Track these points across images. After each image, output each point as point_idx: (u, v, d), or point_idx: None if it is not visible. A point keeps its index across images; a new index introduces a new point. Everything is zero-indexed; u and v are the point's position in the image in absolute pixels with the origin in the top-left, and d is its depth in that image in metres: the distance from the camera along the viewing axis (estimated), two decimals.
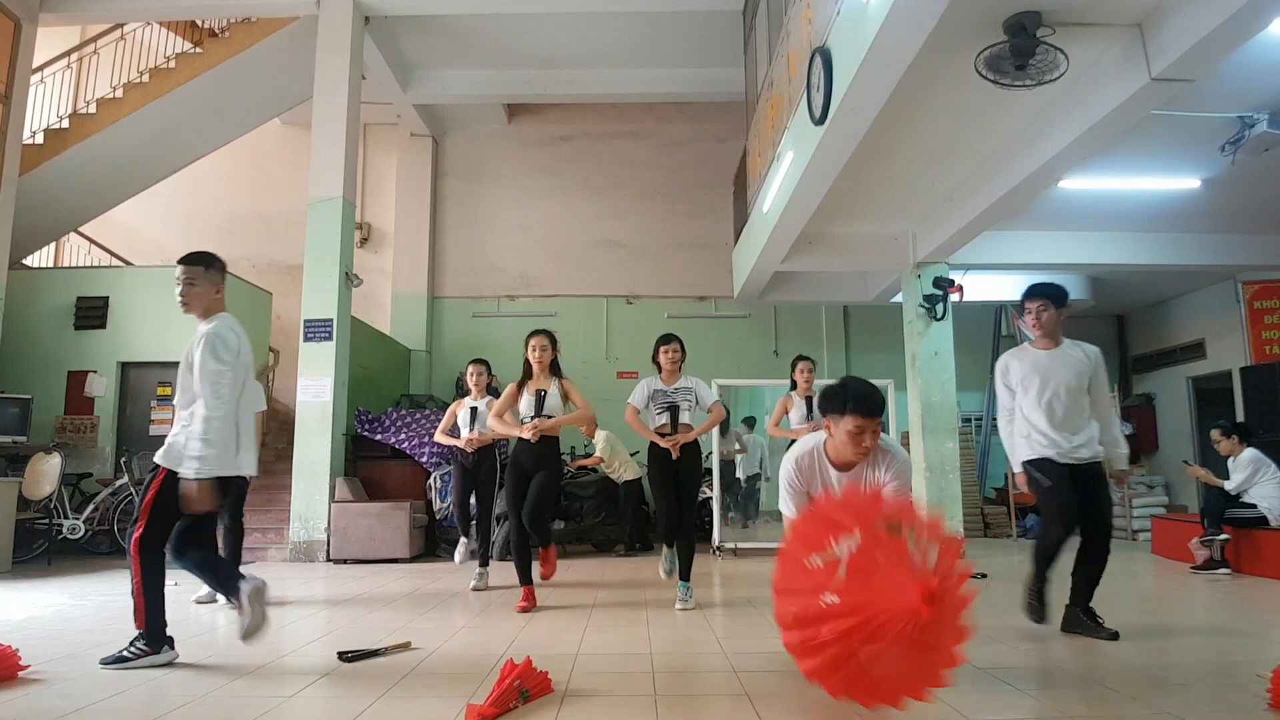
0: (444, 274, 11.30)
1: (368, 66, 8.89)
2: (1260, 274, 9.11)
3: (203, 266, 3.41)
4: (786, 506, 3.08)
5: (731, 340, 10.99)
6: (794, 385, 6.14)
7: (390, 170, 11.56)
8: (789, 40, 6.12)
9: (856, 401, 2.80)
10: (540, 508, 4.61)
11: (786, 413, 6.12)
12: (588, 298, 11.18)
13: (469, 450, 5.62)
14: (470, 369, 5.85)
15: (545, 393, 4.63)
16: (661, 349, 4.84)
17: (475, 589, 5.38)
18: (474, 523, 5.74)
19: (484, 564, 5.55)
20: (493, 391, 5.90)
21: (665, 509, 4.77)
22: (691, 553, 4.74)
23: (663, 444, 4.63)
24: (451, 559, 6.18)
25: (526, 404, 4.64)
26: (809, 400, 5.93)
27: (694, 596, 4.66)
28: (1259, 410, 8.61)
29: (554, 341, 4.75)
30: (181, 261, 3.42)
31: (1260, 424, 8.10)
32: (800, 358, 6.11)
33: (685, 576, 4.67)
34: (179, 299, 3.38)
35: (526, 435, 4.53)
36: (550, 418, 4.60)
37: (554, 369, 4.74)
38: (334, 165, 7.85)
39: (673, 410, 4.72)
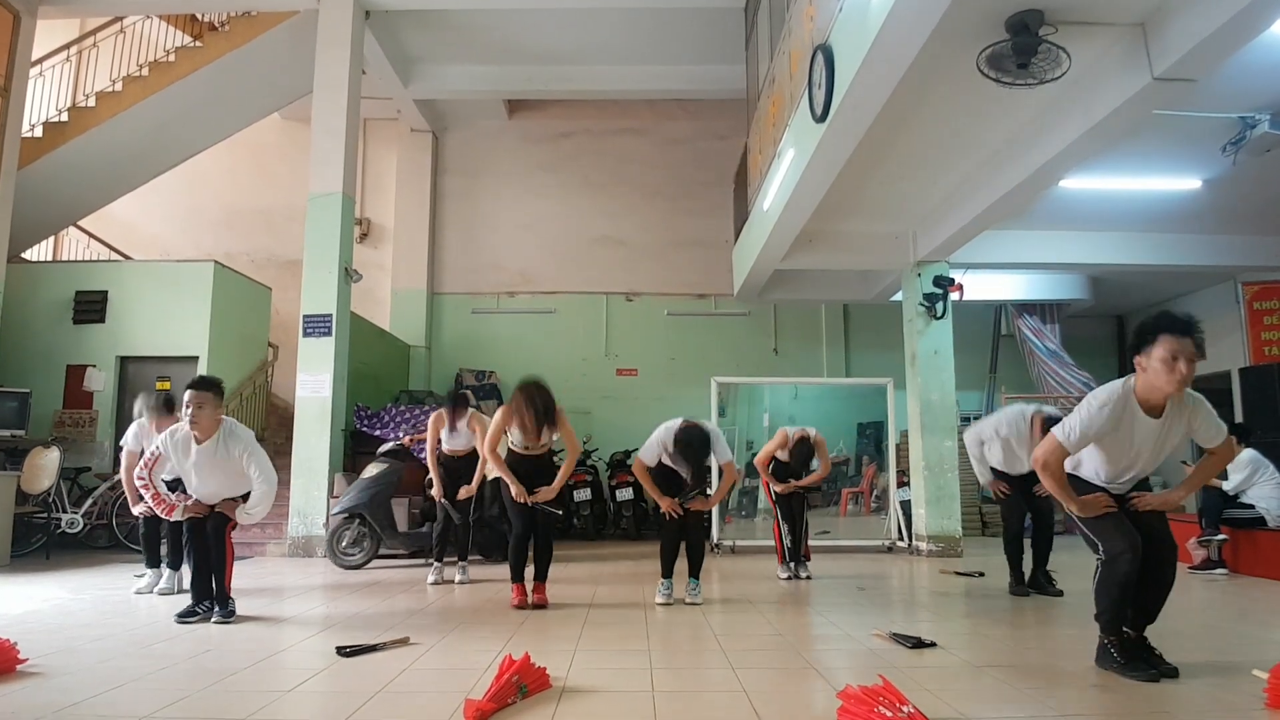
0: (444, 270, 11.29)
1: (368, 61, 8.87)
2: (1260, 275, 9.11)
3: (212, 392, 3.99)
4: (1072, 436, 2.94)
5: (731, 338, 11.00)
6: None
7: (390, 166, 11.54)
8: (790, 37, 6.11)
9: (1167, 321, 2.75)
10: (551, 521, 4.71)
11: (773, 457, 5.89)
12: (587, 294, 11.17)
13: (454, 455, 5.80)
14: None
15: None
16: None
17: (460, 581, 5.55)
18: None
19: (463, 558, 5.75)
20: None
21: (672, 526, 4.76)
22: (702, 551, 4.85)
23: (666, 507, 4.67)
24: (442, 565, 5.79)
25: (517, 437, 4.57)
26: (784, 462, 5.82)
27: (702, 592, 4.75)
28: (1257, 411, 8.60)
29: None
30: (192, 386, 3.97)
31: (1259, 425, 8.09)
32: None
33: (695, 573, 4.77)
34: (189, 421, 3.94)
35: (515, 496, 4.46)
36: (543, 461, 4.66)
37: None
38: (334, 160, 7.83)
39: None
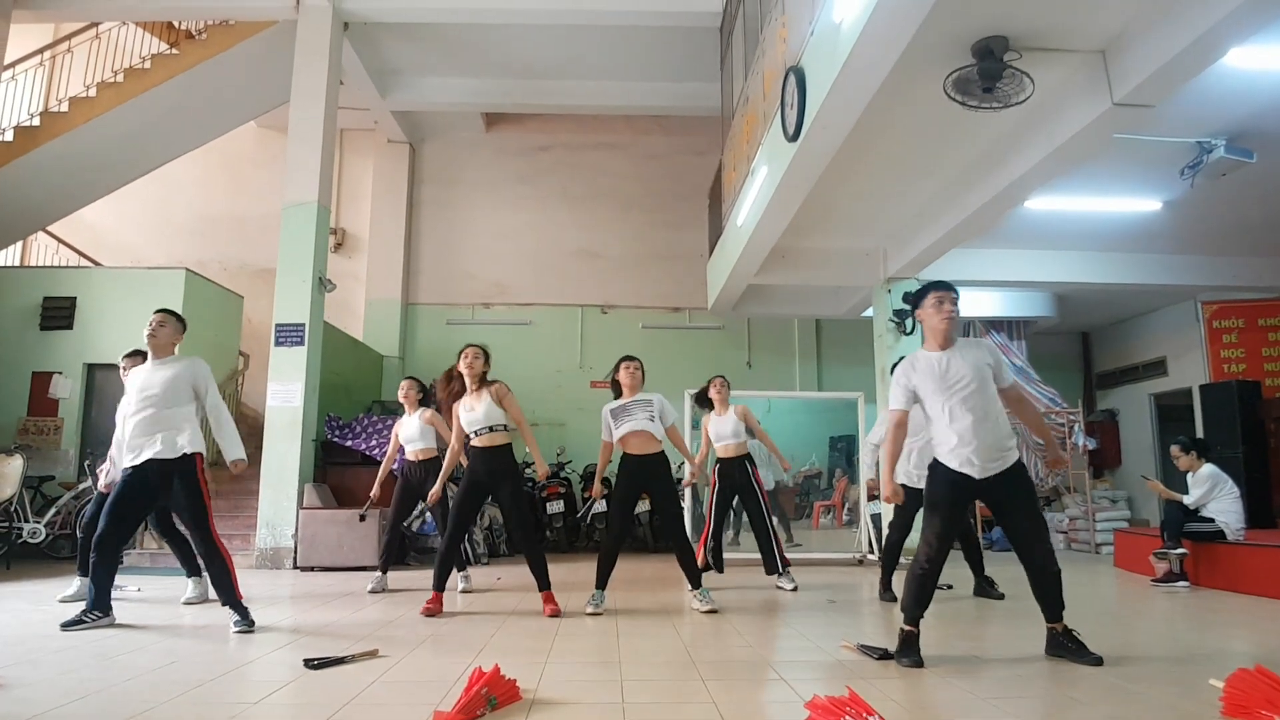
0: (419, 281, 11.26)
1: (346, 71, 8.86)
2: (1219, 294, 9.37)
3: (174, 316, 4.29)
4: (895, 400, 3.58)
5: (705, 352, 11.06)
6: (710, 405, 6.10)
7: (366, 176, 11.51)
8: (764, 58, 6.21)
9: (928, 284, 3.66)
10: (529, 531, 4.80)
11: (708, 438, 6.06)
12: (563, 307, 11.20)
13: (414, 460, 5.89)
14: (403, 385, 6.10)
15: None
16: (623, 365, 4.99)
17: (464, 590, 5.65)
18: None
19: (462, 568, 5.86)
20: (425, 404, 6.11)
21: (615, 535, 4.82)
22: (693, 559, 4.96)
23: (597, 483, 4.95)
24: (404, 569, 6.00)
25: (469, 418, 4.73)
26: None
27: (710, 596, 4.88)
28: (1217, 427, 8.81)
29: (486, 355, 4.94)
30: (157, 311, 4.30)
31: (1218, 440, 8.30)
32: (715, 377, 6.14)
33: (697, 584, 4.89)
34: (148, 336, 4.18)
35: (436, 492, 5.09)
36: (494, 428, 4.72)
37: (483, 380, 4.84)
38: (309, 170, 7.81)
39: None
